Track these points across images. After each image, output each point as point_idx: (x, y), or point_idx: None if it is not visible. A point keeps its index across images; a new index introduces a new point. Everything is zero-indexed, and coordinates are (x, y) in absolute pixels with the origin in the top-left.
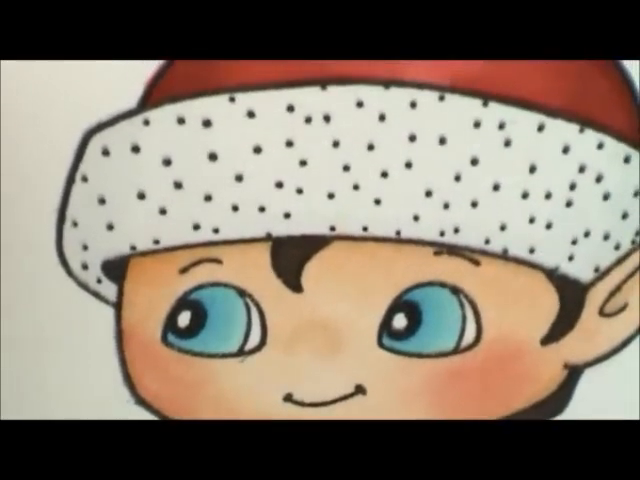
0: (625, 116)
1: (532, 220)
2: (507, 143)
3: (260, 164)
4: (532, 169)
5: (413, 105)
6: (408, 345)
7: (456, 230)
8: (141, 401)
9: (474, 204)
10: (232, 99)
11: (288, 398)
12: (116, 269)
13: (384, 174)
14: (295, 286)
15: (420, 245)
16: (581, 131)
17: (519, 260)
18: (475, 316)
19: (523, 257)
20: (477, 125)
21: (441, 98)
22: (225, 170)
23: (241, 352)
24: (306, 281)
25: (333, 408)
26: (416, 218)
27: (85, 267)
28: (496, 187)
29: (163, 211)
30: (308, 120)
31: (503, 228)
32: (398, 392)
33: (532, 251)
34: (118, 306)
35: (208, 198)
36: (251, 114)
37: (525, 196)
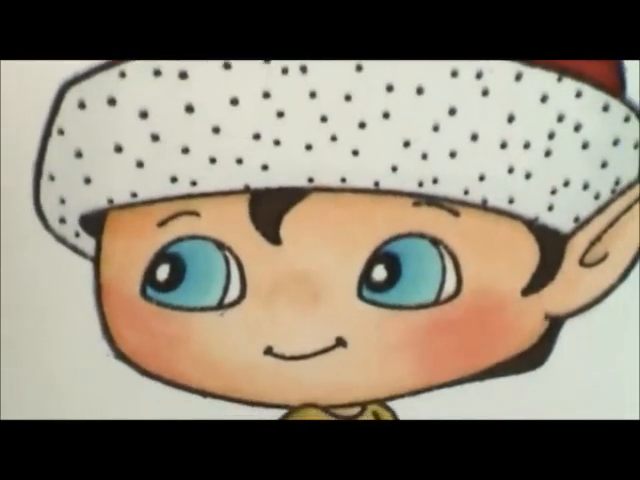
0: (603, 64)
1: (511, 170)
2: (485, 92)
3: (237, 116)
4: (510, 119)
5: None
6: (388, 297)
7: (435, 181)
8: (120, 355)
9: (452, 154)
10: None
11: (268, 351)
12: (94, 223)
13: (362, 125)
14: (274, 239)
15: (399, 196)
16: (559, 80)
17: (499, 210)
18: (455, 267)
19: (502, 207)
20: (454, 75)
21: None
22: (202, 122)
23: (220, 305)
24: (285, 233)
25: (313, 361)
26: (394, 169)
27: (63, 221)
28: (474, 137)
29: (140, 164)
30: (285, 71)
31: (482, 178)
32: (379, 344)
33: (511, 201)
34: (96, 260)
35: (185, 151)
36: (227, 66)
37: (504, 146)
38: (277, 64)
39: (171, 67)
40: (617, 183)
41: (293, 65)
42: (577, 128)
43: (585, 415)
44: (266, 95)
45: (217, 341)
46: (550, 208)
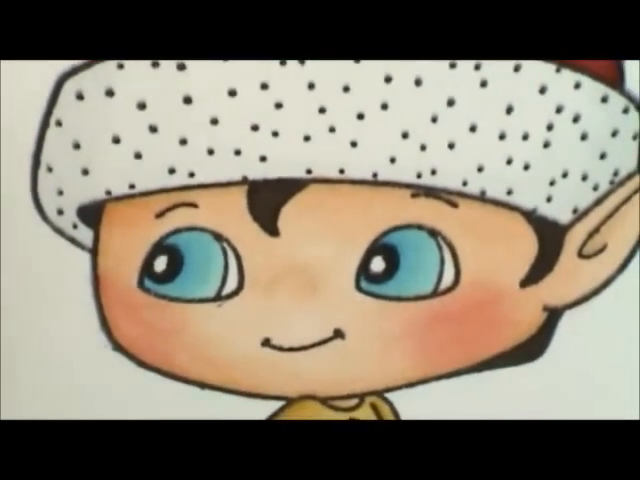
0: None
1: (509, 161)
2: (483, 84)
3: (235, 107)
4: (509, 110)
5: None
6: (386, 288)
7: (433, 172)
8: (118, 347)
9: (451, 146)
10: None
11: (266, 343)
12: (92, 214)
13: (360, 116)
14: (272, 230)
15: (397, 187)
16: (558, 71)
17: (497, 202)
18: (453, 259)
19: (501, 199)
20: (453, 66)
21: None
22: (200, 113)
23: (218, 297)
24: (283, 225)
25: (311, 352)
26: (393, 160)
27: (60, 212)
28: (473, 128)
29: (138, 155)
30: (283, 62)
31: (480, 170)
32: (377, 336)
33: (510, 192)
34: (94, 252)
35: (183, 142)
36: None
37: (502, 137)
38: None
39: None
40: (616, 174)
41: None
42: (576, 119)
43: (584, 406)
44: (264, 86)
45: (215, 333)
46: (549, 199)
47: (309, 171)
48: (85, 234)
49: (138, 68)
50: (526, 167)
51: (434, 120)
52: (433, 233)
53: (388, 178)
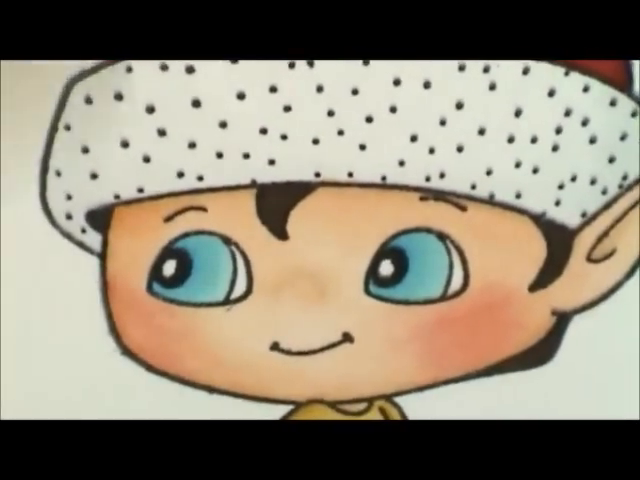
0: None
1: (518, 165)
2: (492, 87)
3: (244, 110)
4: (518, 113)
5: None
6: (395, 292)
7: (442, 175)
8: (127, 351)
9: (460, 149)
10: None
11: (275, 347)
12: (100, 219)
13: (369, 119)
14: (280, 233)
15: (406, 191)
16: (566, 74)
17: (506, 205)
18: (462, 262)
19: (510, 202)
20: (462, 69)
21: None
22: (209, 117)
23: (227, 301)
24: (291, 228)
25: (320, 356)
26: (401, 163)
27: (69, 217)
28: (482, 131)
29: (147, 159)
30: (292, 65)
31: (489, 173)
32: (385, 340)
33: (519, 196)
34: (103, 256)
35: (192, 145)
36: (234, 60)
37: (511, 140)
38: None
39: (178, 62)
40: (624, 178)
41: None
42: (584, 122)
43: (593, 411)
44: (273, 89)
45: (223, 336)
46: (557, 203)
47: (318, 174)
48: (94, 238)
49: (147, 71)
50: (535, 170)
51: (443, 123)
52: (442, 236)
53: (397, 181)
